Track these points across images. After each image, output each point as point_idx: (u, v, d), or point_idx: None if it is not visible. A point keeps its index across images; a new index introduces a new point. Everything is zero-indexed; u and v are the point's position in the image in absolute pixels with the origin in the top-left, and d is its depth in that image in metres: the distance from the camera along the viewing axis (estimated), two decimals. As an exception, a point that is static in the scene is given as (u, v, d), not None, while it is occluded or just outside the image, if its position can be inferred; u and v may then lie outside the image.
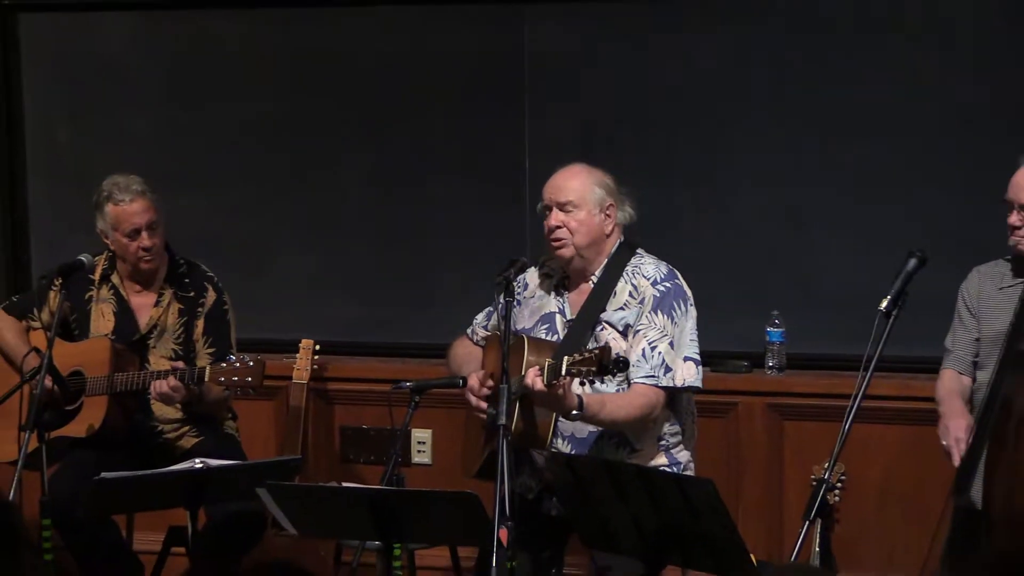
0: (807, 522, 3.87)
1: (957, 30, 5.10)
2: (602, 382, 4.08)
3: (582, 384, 3.99)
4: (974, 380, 4.27)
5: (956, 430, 4.11)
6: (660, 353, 4.12)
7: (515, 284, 4.22)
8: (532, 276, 4.39)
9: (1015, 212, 4.12)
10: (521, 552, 3.83)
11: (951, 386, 4.28)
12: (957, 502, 4.14)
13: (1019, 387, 3.94)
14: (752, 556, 3.59)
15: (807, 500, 3.92)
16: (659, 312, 4.16)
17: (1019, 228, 4.12)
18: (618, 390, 4.14)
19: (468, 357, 4.44)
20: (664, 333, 4.14)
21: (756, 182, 5.28)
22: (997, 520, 3.97)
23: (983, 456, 4.04)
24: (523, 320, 4.31)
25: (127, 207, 4.70)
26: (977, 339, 4.28)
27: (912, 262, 4.06)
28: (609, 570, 4.16)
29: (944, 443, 4.15)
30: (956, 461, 4.09)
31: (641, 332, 4.15)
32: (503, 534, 3.56)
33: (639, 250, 4.29)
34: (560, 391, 3.88)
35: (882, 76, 5.15)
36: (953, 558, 4.15)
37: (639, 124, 5.34)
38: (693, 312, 4.21)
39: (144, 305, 4.83)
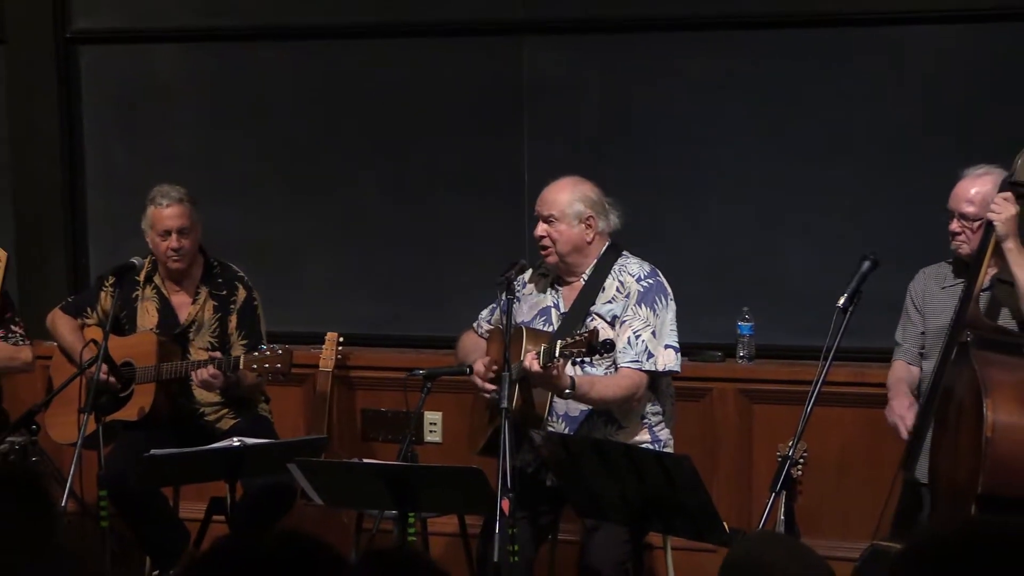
0: (773, 493, 3.86)
1: (905, 64, 5.08)
2: (592, 363, 4.09)
3: (574, 365, 4.00)
4: (921, 370, 4.27)
5: (899, 408, 4.15)
6: (644, 341, 4.12)
7: (515, 283, 4.23)
8: (530, 276, 4.40)
9: (955, 220, 4.12)
10: (521, 519, 3.83)
11: (900, 375, 4.29)
12: (905, 477, 4.13)
13: (959, 377, 3.93)
14: (725, 524, 3.58)
15: (773, 474, 3.91)
16: (643, 305, 4.17)
17: (959, 234, 4.12)
18: (605, 373, 4.14)
19: (474, 348, 4.44)
20: (647, 323, 4.14)
21: (728, 195, 5.27)
22: (942, 493, 3.95)
23: (927, 437, 4.04)
24: (522, 314, 4.31)
25: (163, 211, 4.72)
26: (923, 332, 4.27)
27: (866, 264, 4.05)
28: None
29: (890, 420, 4.18)
30: (903, 434, 4.09)
31: (627, 322, 4.15)
32: (505, 504, 3.55)
33: (624, 252, 4.29)
34: (555, 371, 3.88)
35: (839, 103, 5.13)
36: (901, 526, 4.14)
37: (625, 143, 5.33)
38: (672, 306, 4.22)
39: (183, 303, 4.84)
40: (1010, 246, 3.93)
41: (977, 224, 4.06)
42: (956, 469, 3.90)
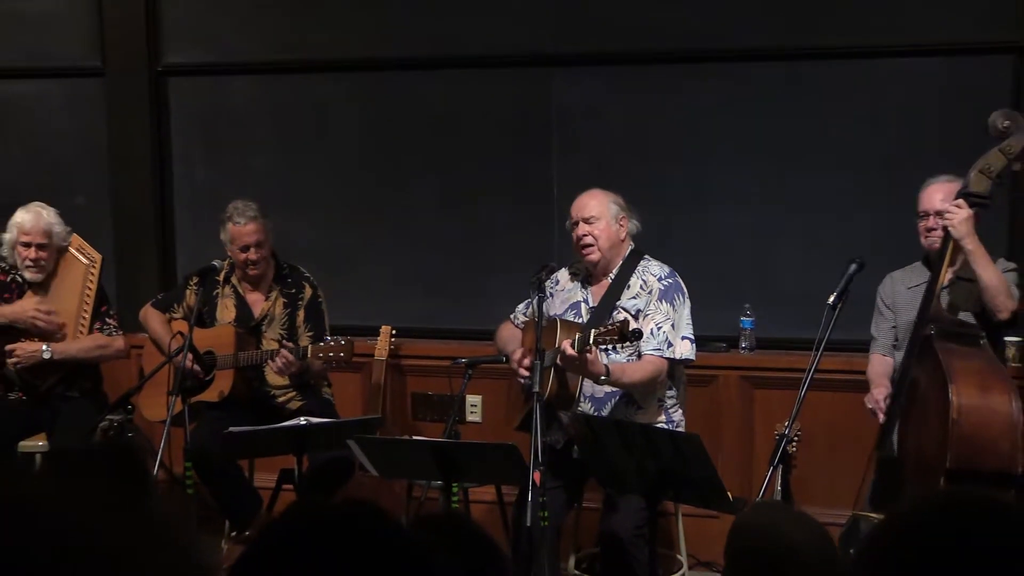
0: (772, 467, 3.85)
1: (886, 91, 5.06)
2: (616, 350, 4.09)
3: (604, 352, 3.99)
4: (895, 360, 4.25)
5: (878, 396, 4.11)
6: (664, 332, 4.12)
7: (548, 282, 4.24)
8: (563, 275, 4.40)
9: (930, 218, 4.10)
10: (551, 489, 3.82)
11: (879, 369, 4.28)
12: (880, 454, 4.10)
13: (924, 366, 3.91)
14: (729, 494, 3.57)
15: (772, 450, 3.90)
16: (663, 301, 4.16)
17: (935, 229, 4.09)
18: (628, 360, 4.14)
19: (511, 337, 4.45)
20: (667, 317, 4.14)
21: (732, 206, 5.25)
22: (910, 469, 3.92)
23: (898, 419, 4.00)
24: (555, 308, 4.31)
25: (242, 228, 4.72)
26: (894, 327, 4.25)
27: (853, 266, 4.04)
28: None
29: (869, 406, 4.14)
30: (880, 418, 4.07)
31: (649, 316, 4.14)
32: (537, 476, 3.55)
33: (645, 255, 4.29)
34: (590, 356, 3.87)
35: (829, 125, 5.12)
36: (878, 497, 4.10)
37: (641, 160, 5.31)
38: (688, 303, 4.22)
39: (257, 300, 4.86)
40: (969, 247, 3.91)
41: None
42: (923, 447, 3.88)
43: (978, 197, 3.95)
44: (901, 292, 4.24)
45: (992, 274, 3.90)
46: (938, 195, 4.10)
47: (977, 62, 5.00)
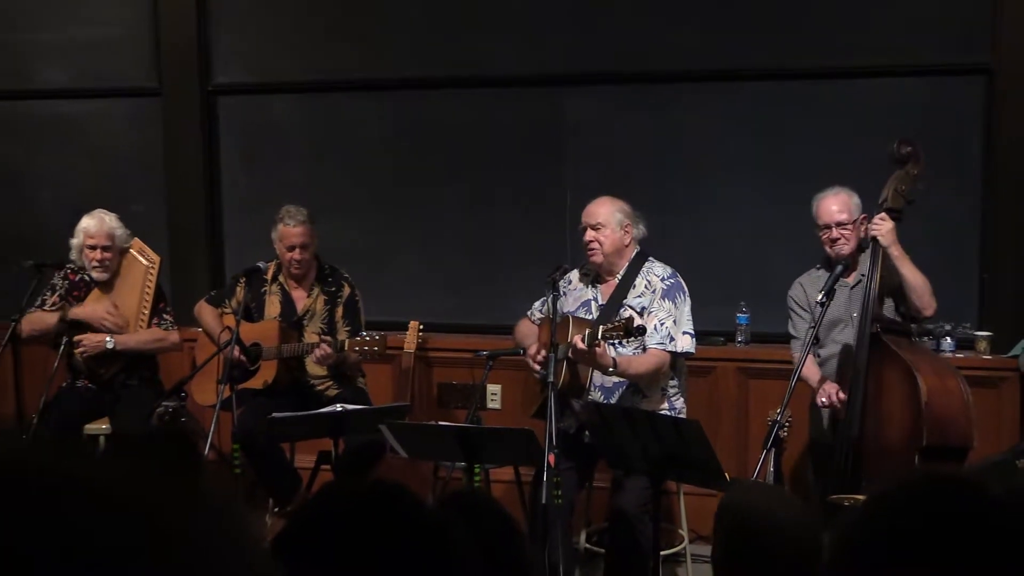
0: (765, 450, 3.84)
1: (868, 107, 5.05)
2: (624, 344, 4.09)
3: (612, 346, 4.00)
4: (819, 356, 4.23)
5: (831, 389, 4.03)
6: (667, 327, 4.12)
7: (562, 282, 4.24)
8: (575, 275, 4.41)
9: (832, 229, 4.11)
10: (564, 470, 3.83)
11: (811, 365, 4.20)
12: (843, 439, 4.04)
13: (872, 362, 3.90)
14: (726, 474, 3.57)
15: (765, 435, 3.89)
16: (666, 299, 4.16)
17: (838, 239, 4.12)
18: (634, 353, 4.14)
19: (528, 332, 4.45)
20: (670, 314, 4.14)
21: (728, 211, 5.25)
22: (868, 452, 3.91)
23: (859, 407, 3.98)
24: (568, 305, 4.32)
25: (291, 229, 4.74)
26: (812, 327, 4.20)
27: (839, 268, 4.04)
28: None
29: (824, 401, 4.05)
30: (838, 407, 4.02)
31: (653, 313, 4.15)
32: (551, 458, 3.56)
33: (650, 257, 4.29)
34: (598, 349, 3.88)
35: (815, 138, 5.12)
36: (833, 477, 4.05)
37: (646, 169, 5.32)
38: (688, 300, 4.22)
39: (300, 297, 4.88)
40: (895, 253, 3.96)
41: (851, 226, 4.08)
42: (884, 432, 3.87)
43: (896, 212, 4.01)
44: (813, 295, 4.22)
45: (917, 275, 3.95)
46: (834, 206, 4.13)
47: (952, 82, 5.00)
